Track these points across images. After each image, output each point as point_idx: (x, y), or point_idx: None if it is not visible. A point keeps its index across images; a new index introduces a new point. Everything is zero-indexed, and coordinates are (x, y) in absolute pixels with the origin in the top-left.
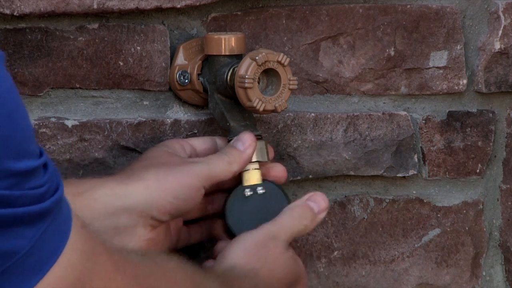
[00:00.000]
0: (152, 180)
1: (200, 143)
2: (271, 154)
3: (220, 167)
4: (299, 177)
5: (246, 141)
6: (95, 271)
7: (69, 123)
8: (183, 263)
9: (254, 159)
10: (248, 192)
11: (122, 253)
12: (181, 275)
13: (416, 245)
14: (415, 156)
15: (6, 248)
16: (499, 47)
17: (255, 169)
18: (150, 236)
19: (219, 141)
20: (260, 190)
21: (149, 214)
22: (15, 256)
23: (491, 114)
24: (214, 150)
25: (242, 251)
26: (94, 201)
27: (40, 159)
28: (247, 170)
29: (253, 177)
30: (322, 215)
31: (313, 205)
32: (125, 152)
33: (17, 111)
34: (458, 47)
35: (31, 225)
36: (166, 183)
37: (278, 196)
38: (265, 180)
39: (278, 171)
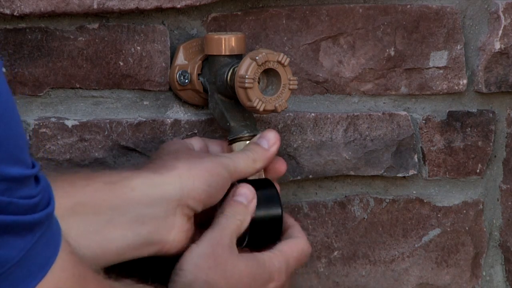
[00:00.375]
0: (184, 169)
1: (215, 146)
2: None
3: (245, 163)
4: (299, 177)
5: (270, 139)
6: None
7: (69, 123)
8: None
9: None
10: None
11: (107, 281)
12: None
13: (416, 245)
14: (415, 156)
15: None
16: (499, 47)
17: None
18: (187, 227)
19: (208, 142)
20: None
21: (185, 203)
22: (4, 266)
23: (491, 114)
24: (205, 151)
25: (193, 266)
26: (131, 189)
27: (32, 169)
28: None
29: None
30: (253, 203)
31: (240, 198)
32: (125, 152)
33: (11, 117)
34: (458, 47)
35: (22, 235)
36: (198, 172)
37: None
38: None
39: (279, 164)
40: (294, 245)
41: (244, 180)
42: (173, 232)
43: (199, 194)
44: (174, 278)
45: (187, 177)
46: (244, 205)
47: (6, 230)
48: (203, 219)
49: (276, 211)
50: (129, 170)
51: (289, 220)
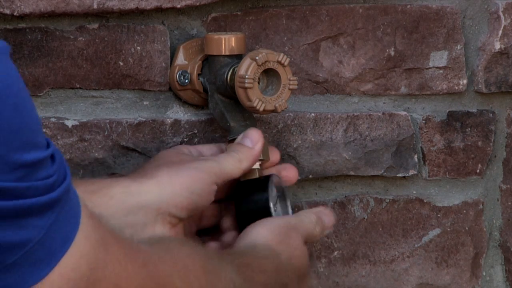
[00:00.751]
0: (164, 177)
1: (206, 149)
2: (277, 155)
3: (230, 164)
4: (299, 177)
5: (254, 137)
6: (107, 260)
7: (69, 123)
8: (196, 249)
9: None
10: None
11: (132, 242)
12: (193, 262)
13: (416, 245)
14: (415, 156)
15: (16, 239)
16: (499, 47)
17: (258, 168)
18: (171, 234)
19: (225, 147)
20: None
21: (166, 211)
22: (25, 247)
23: (491, 114)
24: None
25: (266, 231)
26: (110, 198)
27: (47, 150)
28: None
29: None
30: (328, 230)
31: (325, 218)
32: (125, 152)
33: (24, 103)
34: (458, 47)
35: (41, 215)
36: (179, 179)
37: (286, 200)
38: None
39: (290, 172)
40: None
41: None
42: None
43: (181, 202)
44: (242, 236)
45: (167, 185)
46: (325, 225)
47: (26, 213)
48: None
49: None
50: (110, 178)
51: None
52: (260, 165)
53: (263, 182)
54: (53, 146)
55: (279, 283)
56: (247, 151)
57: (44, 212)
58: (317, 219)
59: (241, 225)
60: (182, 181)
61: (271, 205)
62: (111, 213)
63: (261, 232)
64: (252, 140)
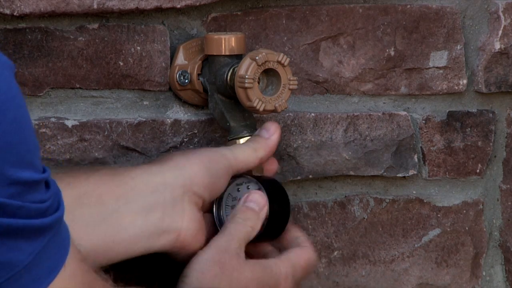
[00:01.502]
0: (182, 159)
1: None
2: (275, 164)
3: (246, 152)
4: (299, 177)
5: (270, 128)
6: None
7: (69, 123)
8: None
9: None
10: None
11: None
12: None
13: (416, 245)
14: (415, 156)
15: (5, 260)
16: (499, 47)
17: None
18: (198, 217)
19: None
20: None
21: (190, 189)
22: (13, 270)
23: (491, 114)
24: None
25: (199, 273)
26: (132, 178)
27: (43, 174)
28: None
29: (258, 171)
30: (264, 210)
31: (252, 205)
32: (125, 152)
33: (23, 120)
34: (458, 47)
35: (31, 239)
36: (195, 159)
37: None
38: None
39: (271, 164)
40: (302, 253)
41: (251, 175)
42: (185, 218)
43: (202, 180)
44: (180, 285)
45: (185, 165)
46: (256, 211)
47: (16, 233)
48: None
49: (286, 206)
50: (125, 167)
51: (295, 229)
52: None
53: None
54: (49, 174)
55: None
56: (262, 141)
57: (34, 237)
58: (245, 216)
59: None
60: (199, 161)
61: (215, 212)
62: (137, 192)
63: (195, 276)
64: (268, 130)
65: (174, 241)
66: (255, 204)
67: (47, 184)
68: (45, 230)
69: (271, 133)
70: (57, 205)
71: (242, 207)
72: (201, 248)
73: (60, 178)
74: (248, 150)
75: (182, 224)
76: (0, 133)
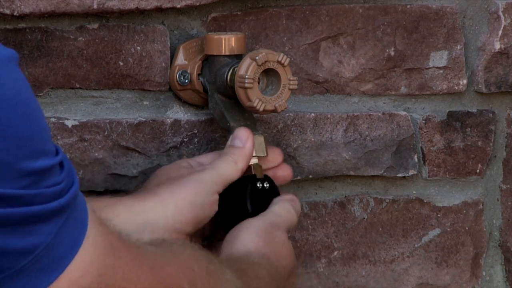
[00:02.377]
0: (166, 194)
1: (206, 158)
2: (280, 156)
3: (227, 168)
4: (299, 177)
5: (242, 136)
6: (116, 265)
7: (69, 123)
8: (198, 251)
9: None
10: (259, 184)
11: (139, 245)
12: (197, 263)
13: (416, 245)
14: (415, 156)
15: (24, 245)
16: (499, 47)
17: (256, 163)
18: None
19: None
20: (266, 184)
21: (172, 228)
22: (33, 253)
23: (491, 114)
24: None
25: (254, 236)
26: (115, 217)
27: (56, 157)
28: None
29: (256, 171)
30: (298, 215)
31: (294, 204)
32: (125, 152)
33: (33, 111)
34: (458, 47)
35: (49, 221)
36: (180, 194)
37: (275, 192)
38: (265, 176)
39: (285, 171)
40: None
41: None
42: None
43: (185, 216)
44: (231, 243)
45: (169, 201)
46: (297, 210)
47: (34, 219)
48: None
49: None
50: (113, 197)
51: None
52: (258, 160)
53: (243, 180)
54: (62, 153)
55: (273, 285)
56: (239, 151)
57: (52, 218)
58: (291, 206)
59: (224, 224)
60: (183, 196)
61: (249, 204)
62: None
63: (249, 238)
64: (242, 139)
65: None
66: (296, 205)
67: (61, 164)
68: (63, 209)
69: (244, 141)
70: (72, 181)
71: (292, 197)
72: None
73: None
74: (230, 165)
75: None
76: (11, 128)
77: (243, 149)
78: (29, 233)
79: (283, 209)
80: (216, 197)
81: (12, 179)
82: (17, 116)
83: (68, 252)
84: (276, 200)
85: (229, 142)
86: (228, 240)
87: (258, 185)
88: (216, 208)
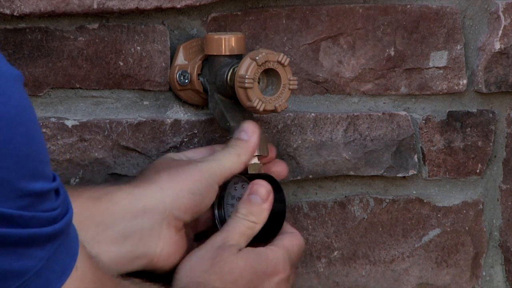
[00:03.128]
0: (165, 181)
1: (196, 153)
2: (273, 152)
3: (230, 160)
4: (299, 177)
5: (249, 129)
6: None
7: (69, 123)
8: None
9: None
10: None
11: (125, 284)
12: None
13: (416, 245)
14: (415, 156)
15: (16, 268)
16: (499, 47)
17: (256, 162)
18: (176, 239)
19: (218, 148)
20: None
21: (171, 214)
22: (24, 276)
23: (491, 114)
24: None
25: (188, 270)
26: (114, 204)
27: (53, 182)
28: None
29: (255, 170)
30: (269, 201)
31: (254, 198)
32: (125, 152)
33: (35, 132)
34: (458, 47)
35: (42, 246)
36: (180, 181)
37: (277, 189)
38: (267, 174)
39: (280, 167)
40: (294, 239)
41: (245, 174)
42: (160, 244)
43: (184, 203)
44: (172, 282)
45: (168, 187)
46: (259, 203)
47: (27, 242)
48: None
49: (281, 204)
50: (111, 185)
51: None
52: (258, 159)
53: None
54: (58, 180)
55: None
56: (244, 144)
57: (46, 243)
58: (247, 209)
59: (221, 223)
60: (183, 183)
61: (216, 211)
62: (117, 218)
63: (184, 273)
64: (247, 132)
65: (147, 265)
66: (257, 196)
67: (57, 191)
68: (57, 236)
69: (250, 135)
70: (66, 209)
71: (246, 200)
72: (176, 265)
73: None
74: (233, 157)
75: (156, 250)
76: (13, 146)
77: (248, 142)
78: (22, 255)
79: (235, 219)
80: (216, 187)
81: (11, 198)
82: (20, 134)
83: (57, 279)
84: (234, 209)
85: (234, 135)
86: (174, 276)
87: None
88: (213, 198)
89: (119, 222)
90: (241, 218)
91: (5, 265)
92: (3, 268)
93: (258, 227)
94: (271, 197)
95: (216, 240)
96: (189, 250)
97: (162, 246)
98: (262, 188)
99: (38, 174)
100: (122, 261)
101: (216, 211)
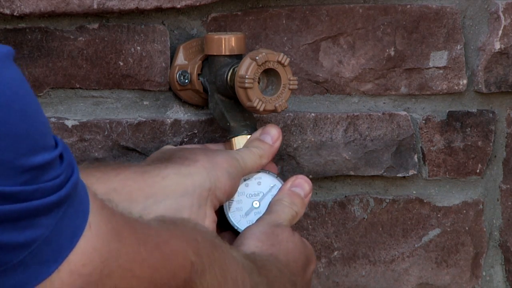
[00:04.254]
0: (206, 161)
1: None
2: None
3: (251, 159)
4: None
5: (274, 135)
6: (120, 248)
7: (69, 123)
8: (201, 226)
9: None
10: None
11: (143, 223)
12: (200, 235)
13: (416, 245)
14: (415, 156)
15: (21, 240)
16: (499, 47)
17: None
18: (215, 219)
19: (212, 146)
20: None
21: (214, 193)
22: (31, 246)
23: (491, 114)
24: None
25: (256, 241)
26: (163, 178)
27: (55, 150)
28: None
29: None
30: (309, 197)
31: (298, 190)
32: (125, 152)
33: (31, 107)
34: (458, 47)
35: (48, 214)
36: (219, 163)
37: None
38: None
39: (271, 169)
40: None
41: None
42: (206, 221)
43: (224, 184)
44: (234, 245)
45: (210, 168)
46: (301, 197)
47: (32, 214)
48: None
49: None
50: (155, 163)
51: None
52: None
53: None
54: (61, 144)
55: (285, 279)
56: (268, 148)
57: (51, 210)
58: (291, 199)
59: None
60: (222, 166)
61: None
62: (167, 192)
63: (252, 244)
64: (273, 137)
65: None
66: (301, 190)
67: (61, 156)
68: (63, 201)
69: (274, 140)
70: (71, 171)
71: (289, 191)
72: None
73: (90, 173)
74: (255, 157)
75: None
76: (10, 126)
77: (271, 147)
78: (27, 227)
79: (281, 206)
80: (241, 179)
81: (11, 176)
82: (15, 114)
83: (68, 243)
84: (274, 198)
85: (257, 135)
86: (236, 243)
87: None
88: (238, 188)
89: (169, 196)
90: (287, 205)
91: (11, 238)
92: (9, 241)
93: (297, 218)
94: (310, 196)
95: (270, 218)
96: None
97: (208, 224)
98: (306, 184)
99: (38, 147)
100: None
101: (225, 208)
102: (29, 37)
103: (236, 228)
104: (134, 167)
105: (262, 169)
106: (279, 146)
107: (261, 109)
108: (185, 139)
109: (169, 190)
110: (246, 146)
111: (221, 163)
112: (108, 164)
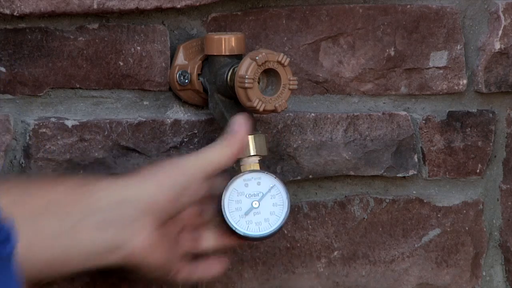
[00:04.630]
0: (147, 173)
1: None
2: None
3: (216, 153)
4: (299, 177)
5: (237, 121)
6: None
7: (69, 123)
8: None
9: (252, 152)
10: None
11: None
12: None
13: (416, 245)
14: (415, 156)
15: None
16: (499, 47)
17: (255, 163)
18: (155, 234)
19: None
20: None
21: (154, 206)
22: None
23: (491, 114)
24: None
25: None
26: (98, 191)
27: None
28: (248, 164)
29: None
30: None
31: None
32: (125, 152)
33: None
34: (458, 47)
35: None
36: (163, 173)
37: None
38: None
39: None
40: None
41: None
42: (140, 236)
43: (165, 195)
44: None
45: (151, 179)
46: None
47: None
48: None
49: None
50: (95, 177)
51: None
52: (259, 161)
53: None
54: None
55: None
56: (232, 136)
57: None
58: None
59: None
60: (166, 176)
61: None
62: (99, 206)
63: None
64: (235, 124)
65: (126, 257)
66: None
67: None
68: None
69: (238, 126)
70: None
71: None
72: (149, 266)
73: (27, 187)
74: (220, 149)
75: (136, 242)
76: None
77: (236, 134)
78: None
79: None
80: (200, 182)
81: None
82: None
83: None
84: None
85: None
86: None
87: None
88: (201, 193)
89: (101, 210)
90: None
91: None
92: None
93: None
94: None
95: None
96: (168, 253)
97: (143, 239)
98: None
99: None
100: (102, 251)
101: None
102: (29, 37)
103: (234, 228)
104: (72, 180)
105: (262, 169)
106: (245, 131)
107: (261, 109)
108: (185, 139)
109: (102, 203)
110: (213, 142)
111: (166, 173)
112: (50, 177)
